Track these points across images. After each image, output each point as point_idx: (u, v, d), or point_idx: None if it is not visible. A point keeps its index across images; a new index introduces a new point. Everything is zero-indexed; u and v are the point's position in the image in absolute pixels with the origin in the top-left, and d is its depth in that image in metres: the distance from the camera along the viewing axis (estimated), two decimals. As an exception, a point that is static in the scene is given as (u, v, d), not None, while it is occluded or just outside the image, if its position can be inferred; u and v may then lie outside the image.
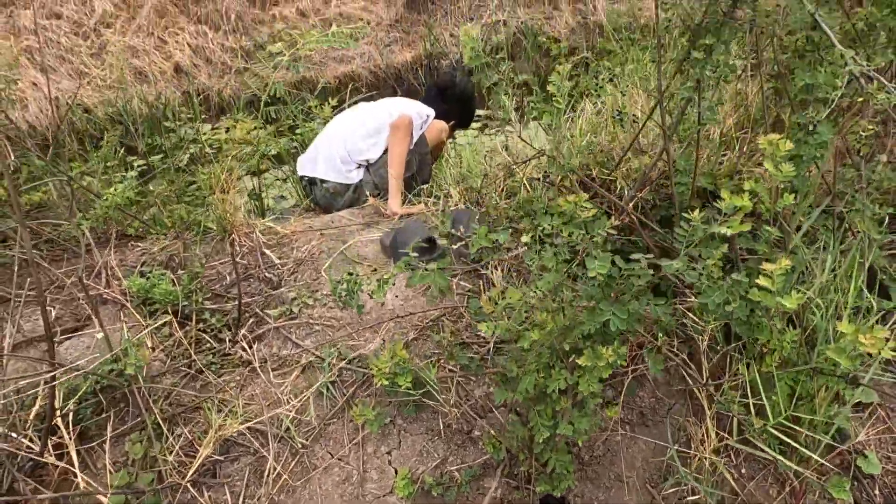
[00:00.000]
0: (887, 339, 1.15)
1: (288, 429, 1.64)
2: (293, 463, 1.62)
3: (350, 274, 1.43)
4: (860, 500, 1.53)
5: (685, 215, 1.09)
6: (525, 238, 1.35)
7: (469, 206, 2.42)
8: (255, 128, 3.60)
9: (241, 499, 1.58)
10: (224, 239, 2.51)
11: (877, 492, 1.56)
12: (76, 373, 1.55)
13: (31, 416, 1.62)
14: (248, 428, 1.68)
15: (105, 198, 2.29)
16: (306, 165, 3.02)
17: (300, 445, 1.63)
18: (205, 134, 4.69)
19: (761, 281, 1.21)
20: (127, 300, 2.05)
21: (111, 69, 6.28)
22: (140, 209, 2.65)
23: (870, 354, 1.32)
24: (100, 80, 6.32)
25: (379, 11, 7.01)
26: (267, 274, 2.33)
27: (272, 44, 6.85)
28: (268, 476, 1.59)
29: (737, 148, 2.19)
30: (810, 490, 1.49)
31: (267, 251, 2.39)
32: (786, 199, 1.34)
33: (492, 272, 1.96)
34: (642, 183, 1.65)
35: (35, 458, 1.55)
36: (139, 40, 6.60)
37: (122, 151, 4.50)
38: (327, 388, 1.73)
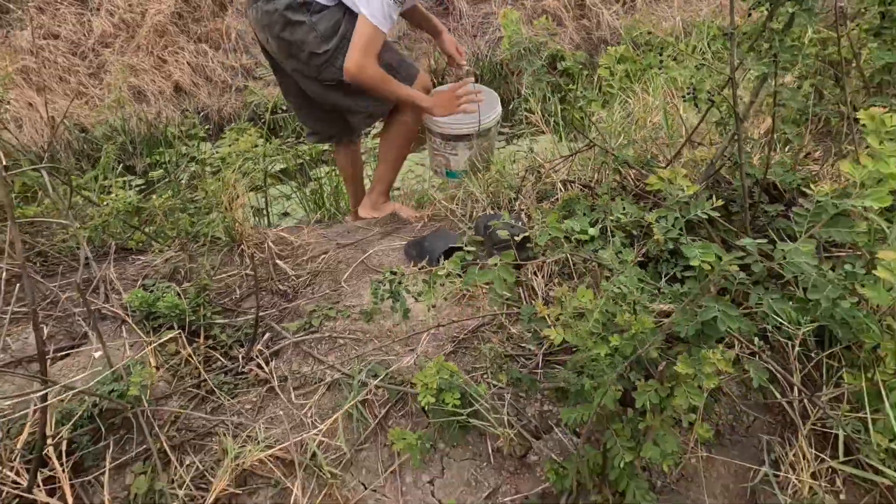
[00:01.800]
0: None
1: (314, 455, 1.43)
2: (321, 495, 1.40)
3: (392, 273, 1.24)
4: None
5: (807, 190, 0.91)
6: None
7: (496, 209, 2.25)
8: (261, 138, 3.44)
9: (261, 540, 1.36)
10: (233, 250, 2.33)
11: None
12: (71, 391, 1.34)
13: (19, 446, 1.41)
14: (269, 456, 1.47)
15: (105, 203, 2.10)
16: None
17: (329, 475, 1.41)
18: (205, 152, 4.53)
19: (880, 272, 1.03)
20: (128, 315, 1.85)
21: (109, 89, 6.15)
22: (141, 221, 2.46)
23: None
24: (98, 99, 6.18)
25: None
26: (280, 286, 2.14)
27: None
28: (293, 512, 1.38)
29: (778, 147, 2.04)
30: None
31: (280, 262, 2.20)
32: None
33: (532, 277, 1.78)
34: (707, 174, 1.48)
35: (22, 494, 1.33)
36: (138, 60, 6.49)
37: (119, 168, 4.32)
38: (357, 409, 1.53)
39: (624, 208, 1.03)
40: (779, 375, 1.35)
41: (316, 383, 1.62)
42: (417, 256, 2.03)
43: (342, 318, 1.83)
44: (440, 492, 1.41)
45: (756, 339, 1.23)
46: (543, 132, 2.41)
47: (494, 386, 1.48)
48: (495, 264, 1.06)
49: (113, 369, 1.54)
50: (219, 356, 1.81)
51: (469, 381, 1.41)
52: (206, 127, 5.77)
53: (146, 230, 2.37)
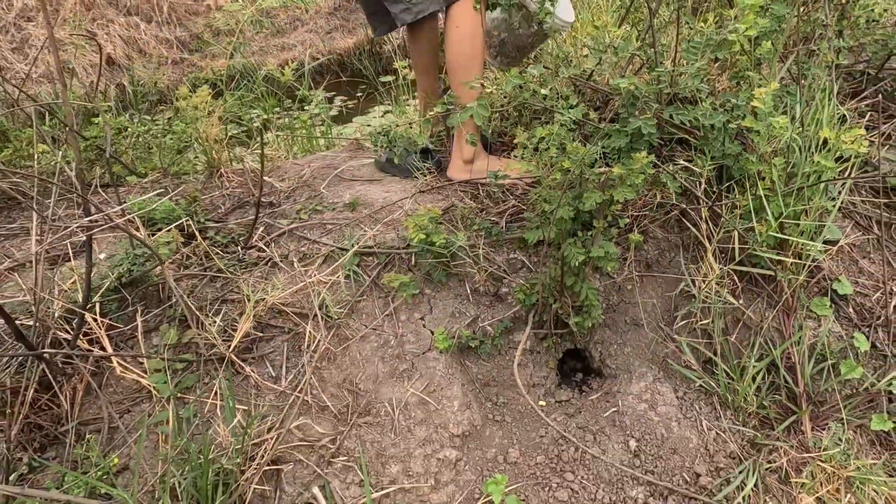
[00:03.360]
0: (863, 136, 1.36)
1: (323, 305, 1.69)
2: (330, 335, 1.67)
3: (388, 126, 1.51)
4: (838, 317, 1.76)
5: (695, 22, 1.26)
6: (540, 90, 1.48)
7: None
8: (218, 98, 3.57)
9: (283, 369, 1.61)
10: (212, 176, 2.52)
11: (850, 309, 1.80)
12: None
13: (57, 311, 1.59)
14: (280, 311, 1.72)
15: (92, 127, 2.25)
16: None
17: (336, 317, 1.68)
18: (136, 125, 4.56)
19: (756, 102, 1.41)
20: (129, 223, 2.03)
21: (35, 64, 5.98)
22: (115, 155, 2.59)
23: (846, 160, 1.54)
24: (23, 74, 6.00)
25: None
26: (264, 199, 2.35)
27: (209, 33, 6.76)
28: (307, 347, 1.64)
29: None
30: (799, 307, 1.70)
31: (266, 178, 2.41)
32: (765, 45, 1.55)
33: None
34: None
35: (67, 352, 1.52)
36: (65, 34, 6.32)
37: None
38: (353, 272, 1.79)
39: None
40: (688, 214, 1.73)
41: (314, 256, 1.87)
42: (388, 164, 2.29)
43: (328, 211, 2.08)
44: (430, 324, 1.71)
45: (668, 146, 1.58)
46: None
47: (469, 237, 1.78)
48: (472, 106, 1.36)
49: (127, 250, 1.74)
50: (218, 251, 2.02)
51: (453, 230, 1.71)
52: (145, 102, 5.74)
53: (124, 158, 2.51)
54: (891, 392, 1.64)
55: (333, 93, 5.90)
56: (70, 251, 1.80)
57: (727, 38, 1.25)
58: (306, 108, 3.86)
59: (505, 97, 1.47)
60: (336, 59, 6.66)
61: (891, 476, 1.56)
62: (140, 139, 2.70)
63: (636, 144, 1.35)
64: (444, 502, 1.44)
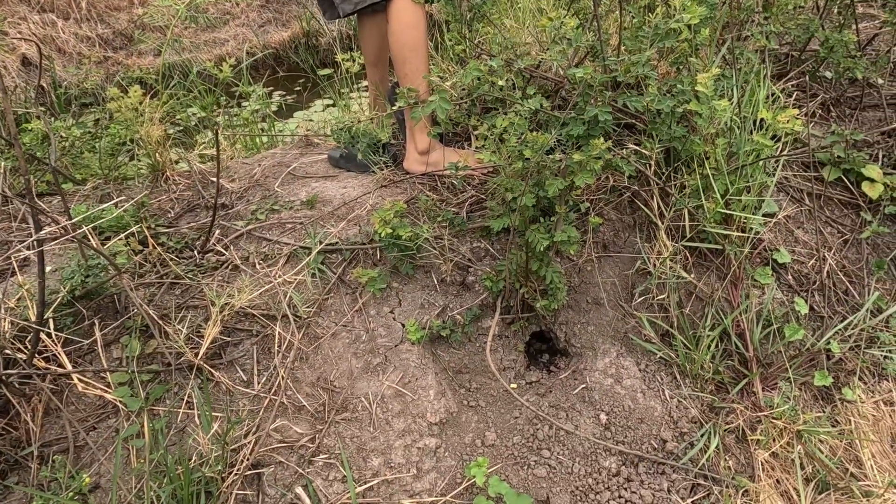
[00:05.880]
0: (797, 116, 1.47)
1: (291, 305, 1.68)
2: (301, 335, 1.66)
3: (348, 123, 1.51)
4: (779, 284, 1.90)
5: (637, 11, 1.32)
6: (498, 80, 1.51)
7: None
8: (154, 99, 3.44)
9: (254, 373, 1.59)
10: (157, 179, 2.43)
11: (789, 276, 1.93)
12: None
13: (6, 328, 1.51)
14: (246, 314, 1.69)
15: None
16: None
17: (305, 317, 1.67)
18: (69, 128, 4.32)
19: (699, 86, 1.49)
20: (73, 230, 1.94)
21: (-59, 66, 5.55)
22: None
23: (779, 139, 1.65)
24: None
25: (248, -7, 6.83)
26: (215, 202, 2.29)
27: (132, 31, 6.44)
28: (278, 348, 1.62)
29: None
30: (745, 277, 1.81)
31: (214, 179, 2.34)
32: (703, 33, 1.64)
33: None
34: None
35: (23, 370, 1.45)
36: (-29, 33, 5.88)
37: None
38: (318, 270, 1.78)
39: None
40: (640, 195, 1.82)
41: (276, 256, 1.85)
42: (343, 160, 2.27)
43: (286, 210, 2.06)
44: (400, 317, 1.72)
45: (626, 152, 1.66)
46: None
47: (434, 228, 1.80)
48: (434, 100, 1.38)
49: (80, 262, 1.67)
50: (173, 257, 1.96)
51: (416, 222, 1.72)
52: (77, 104, 5.43)
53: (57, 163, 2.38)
54: (829, 350, 1.79)
55: (271, 88, 5.77)
56: (15, 266, 1.71)
57: (673, 27, 1.33)
58: (244, 104, 3.76)
59: (463, 89, 1.49)
60: (271, 53, 6.49)
61: (833, 426, 1.70)
62: (74, 144, 2.57)
63: (593, 131, 1.41)
64: (428, 489, 1.47)
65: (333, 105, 4.65)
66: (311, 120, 4.63)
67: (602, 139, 1.37)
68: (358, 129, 1.53)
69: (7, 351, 1.50)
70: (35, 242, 1.35)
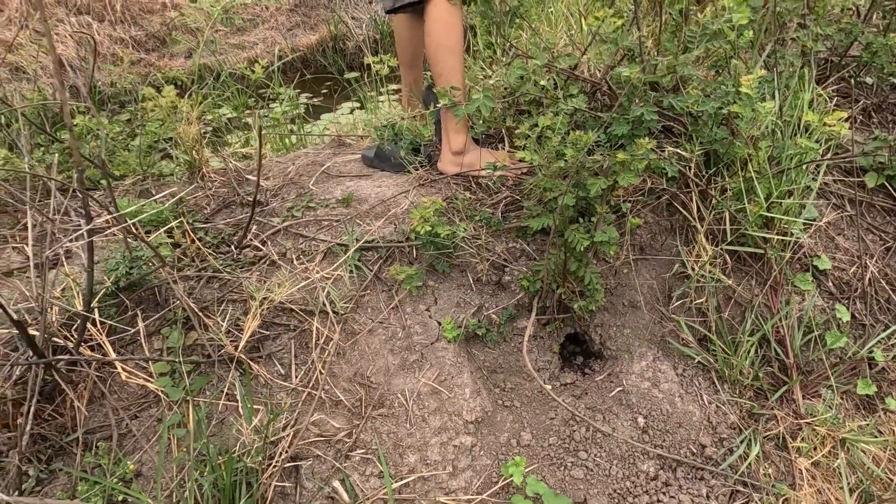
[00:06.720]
0: (844, 119, 1.45)
1: (329, 297, 1.69)
2: (337, 330, 1.67)
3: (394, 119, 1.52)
4: (820, 291, 1.86)
5: (696, 18, 1.31)
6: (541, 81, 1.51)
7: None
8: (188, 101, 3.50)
9: (292, 367, 1.61)
10: (194, 176, 2.47)
11: (829, 283, 1.90)
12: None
13: (55, 317, 1.55)
14: (285, 309, 1.71)
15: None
16: None
17: (342, 312, 1.68)
18: (109, 125, 4.41)
19: (744, 88, 1.47)
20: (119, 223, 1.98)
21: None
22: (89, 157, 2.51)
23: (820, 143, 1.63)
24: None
25: (277, -4, 6.93)
26: (251, 200, 2.32)
27: (165, 33, 6.57)
28: (315, 342, 1.63)
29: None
30: (784, 283, 1.79)
31: (250, 177, 2.38)
32: (745, 35, 1.63)
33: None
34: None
35: (71, 355, 1.48)
36: (11, 34, 6.05)
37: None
38: (355, 266, 1.80)
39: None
40: (678, 197, 1.80)
41: (313, 253, 1.86)
42: (377, 159, 2.29)
43: (321, 208, 2.07)
44: (436, 315, 1.72)
45: (667, 151, 1.65)
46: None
47: (470, 227, 1.81)
48: (478, 97, 1.38)
49: (124, 254, 1.70)
50: (210, 252, 1.99)
51: (452, 221, 1.73)
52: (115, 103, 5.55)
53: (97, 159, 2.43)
54: (872, 358, 1.75)
55: (298, 90, 5.84)
56: (62, 257, 1.75)
57: (722, 28, 1.31)
58: (272, 106, 3.81)
59: (506, 88, 1.49)
60: (299, 56, 6.57)
61: (875, 437, 1.66)
62: (112, 141, 2.62)
63: (637, 131, 1.40)
64: (463, 487, 1.47)
65: (361, 108, 4.69)
66: (338, 122, 4.67)
67: (647, 139, 1.36)
68: (401, 127, 1.54)
69: (55, 339, 1.54)
70: (85, 233, 1.38)
